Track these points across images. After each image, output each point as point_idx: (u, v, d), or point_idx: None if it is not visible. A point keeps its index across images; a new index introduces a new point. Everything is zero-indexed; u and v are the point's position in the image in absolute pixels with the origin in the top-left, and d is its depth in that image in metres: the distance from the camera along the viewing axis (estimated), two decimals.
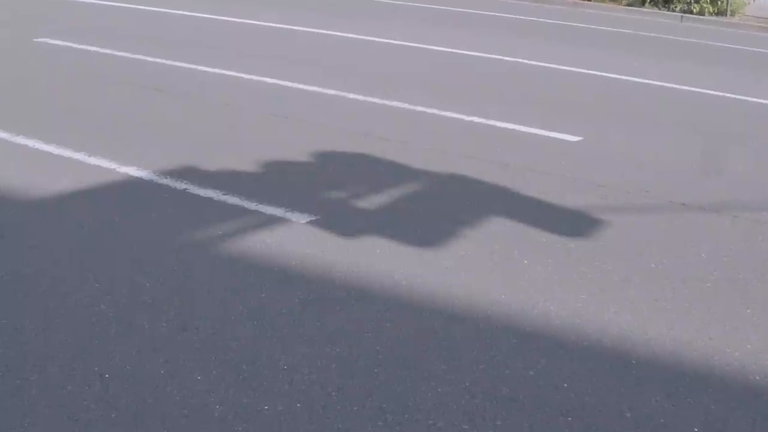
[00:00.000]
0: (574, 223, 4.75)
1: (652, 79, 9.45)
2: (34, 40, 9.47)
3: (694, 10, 19.54)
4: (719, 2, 19.72)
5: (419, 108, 7.21)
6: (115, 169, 5.22)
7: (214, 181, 5.09)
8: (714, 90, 9.11)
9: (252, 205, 4.72)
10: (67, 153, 5.48)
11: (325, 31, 11.54)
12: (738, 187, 5.66)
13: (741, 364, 3.34)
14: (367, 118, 6.80)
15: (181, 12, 12.58)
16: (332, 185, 5.14)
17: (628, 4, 20.09)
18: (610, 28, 15.31)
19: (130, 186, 4.95)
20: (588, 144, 6.46)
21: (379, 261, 4.08)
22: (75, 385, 2.93)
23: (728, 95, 8.90)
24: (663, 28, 16.42)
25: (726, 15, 19.66)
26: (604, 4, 19.98)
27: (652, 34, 14.85)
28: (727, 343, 3.50)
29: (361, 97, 7.48)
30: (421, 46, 10.80)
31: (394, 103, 7.32)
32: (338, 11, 14.28)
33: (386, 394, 2.98)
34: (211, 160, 5.51)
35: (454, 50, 10.60)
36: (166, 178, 5.11)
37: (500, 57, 10.29)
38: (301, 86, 7.79)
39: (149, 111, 6.66)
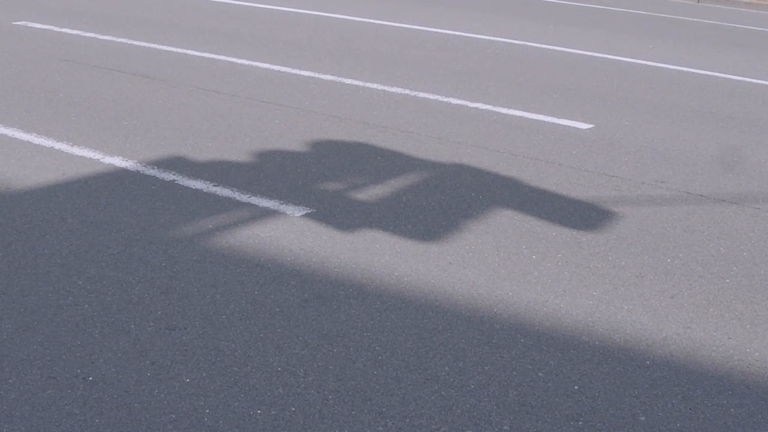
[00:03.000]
0: (585, 215, 4.75)
1: (667, 63, 9.44)
2: (14, 23, 9.45)
3: None
4: None
5: (421, 94, 7.19)
6: (99, 160, 5.21)
7: (203, 172, 5.09)
8: (734, 74, 9.09)
9: (244, 198, 4.71)
10: (48, 143, 5.47)
11: (319, 13, 11.52)
12: (760, 178, 5.65)
13: (762, 365, 3.33)
14: (366, 105, 6.79)
15: None
16: (329, 176, 5.13)
17: None
18: (622, 9, 15.28)
19: (116, 177, 4.94)
20: (600, 132, 6.45)
21: (379, 256, 4.07)
22: (56, 389, 2.92)
23: (748, 80, 8.89)
24: (679, 9, 16.39)
25: None
26: None
27: (666, 16, 14.83)
28: (747, 342, 3.49)
29: (359, 83, 7.47)
30: (421, 28, 10.78)
31: (395, 89, 7.31)
32: None
33: (386, 397, 2.97)
34: (200, 149, 5.50)
35: (456, 32, 10.58)
36: (153, 168, 5.10)
37: (506, 40, 10.27)
38: (296, 71, 7.78)
39: (135, 98, 6.64)
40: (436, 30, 10.69)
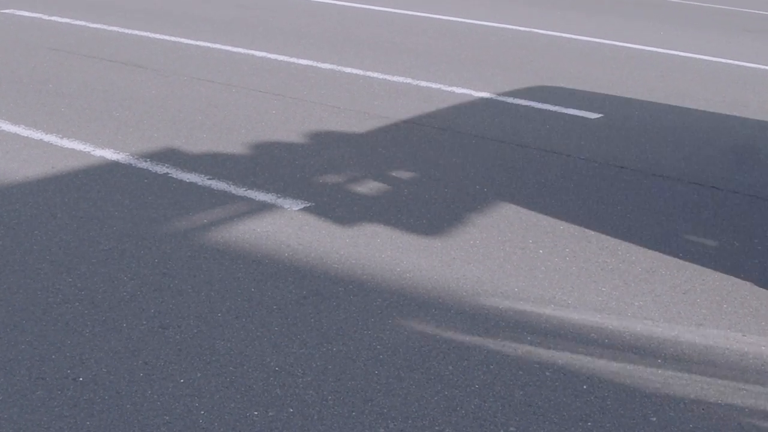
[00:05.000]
0: (594, 208, 4.74)
1: (677, 50, 9.41)
2: (1, 11, 9.43)
3: None
4: None
5: (423, 83, 7.18)
6: (90, 152, 5.20)
7: (198, 164, 5.08)
8: (746, 62, 9.07)
9: (240, 191, 4.71)
10: (37, 135, 5.46)
11: (317, 0, 11.49)
12: None
13: None
14: (366, 95, 6.78)
15: None
16: (328, 169, 5.12)
17: None
18: None
19: (107, 170, 4.93)
20: (609, 121, 6.43)
21: (380, 252, 4.07)
22: (46, 390, 2.92)
23: (762, 67, 8.87)
24: None
25: None
26: None
27: (675, 0, 14.81)
28: (762, 340, 3.48)
29: (359, 72, 7.45)
30: (423, 14, 10.76)
31: (396, 78, 7.29)
32: None
33: (388, 397, 2.97)
34: (194, 141, 5.50)
35: (459, 19, 10.57)
36: (146, 161, 5.09)
37: (511, 26, 10.25)
38: (293, 60, 7.76)
39: (127, 88, 6.63)
40: (438, 16, 10.67)
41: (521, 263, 4.03)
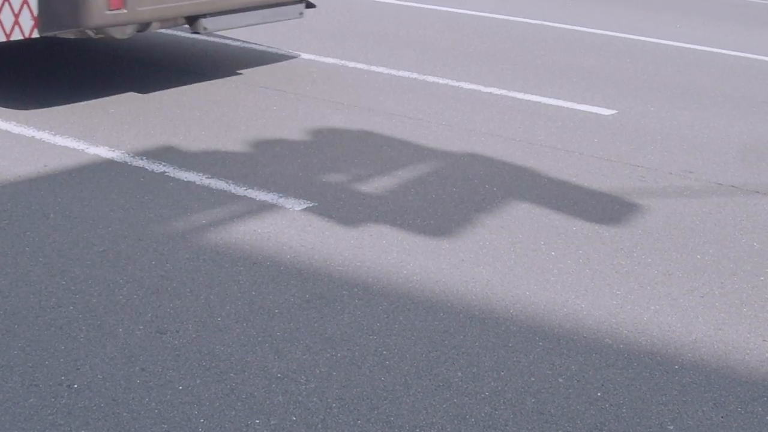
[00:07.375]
0: (608, 208, 4.74)
1: (695, 44, 9.41)
2: None
3: None
4: None
5: (430, 78, 7.18)
6: (83, 150, 5.21)
7: (196, 162, 5.08)
8: (767, 56, 9.07)
9: (240, 191, 4.71)
10: (28, 132, 5.47)
11: None
12: None
13: None
14: (371, 91, 6.78)
15: None
16: (331, 167, 5.13)
17: None
18: None
19: (101, 169, 4.94)
20: (623, 118, 6.43)
21: (385, 253, 4.07)
22: (39, 398, 2.92)
23: None
24: None
25: None
26: None
27: None
28: None
29: (363, 66, 7.46)
30: (429, 6, 10.77)
31: (402, 73, 7.30)
32: None
33: (394, 405, 2.97)
34: (192, 139, 5.50)
35: (467, 11, 10.57)
36: (142, 159, 5.10)
37: (521, 19, 10.26)
38: (295, 54, 7.77)
39: (122, 82, 6.64)
40: (445, 9, 10.68)
41: (532, 265, 4.03)
